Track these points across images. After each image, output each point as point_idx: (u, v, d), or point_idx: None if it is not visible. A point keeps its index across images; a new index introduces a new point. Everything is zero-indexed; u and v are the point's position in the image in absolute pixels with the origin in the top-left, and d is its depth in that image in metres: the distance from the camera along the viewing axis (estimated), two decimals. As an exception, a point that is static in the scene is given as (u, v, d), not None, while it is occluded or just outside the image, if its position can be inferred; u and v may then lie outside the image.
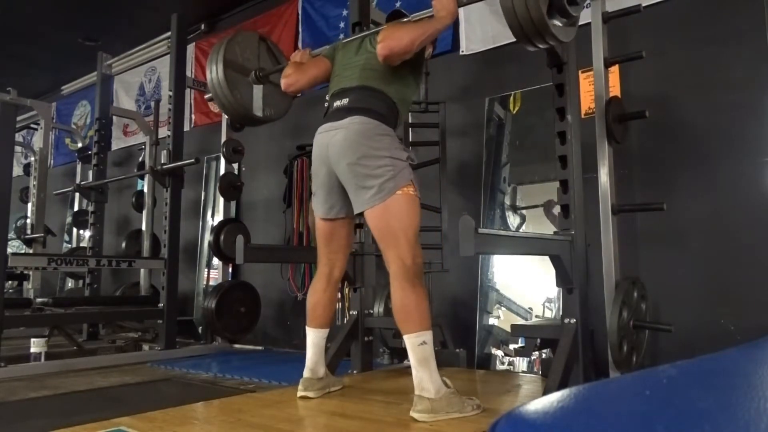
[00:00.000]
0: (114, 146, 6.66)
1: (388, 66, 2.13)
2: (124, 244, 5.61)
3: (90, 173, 5.61)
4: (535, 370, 3.19)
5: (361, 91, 2.16)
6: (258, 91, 2.78)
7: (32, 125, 6.51)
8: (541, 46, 1.93)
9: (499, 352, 3.39)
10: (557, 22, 1.84)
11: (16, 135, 5.16)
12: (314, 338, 2.32)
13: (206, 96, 4.84)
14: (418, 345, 1.93)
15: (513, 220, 3.59)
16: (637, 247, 3.00)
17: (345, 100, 2.16)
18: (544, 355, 2.93)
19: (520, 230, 3.47)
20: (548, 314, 3.34)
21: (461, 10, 3.88)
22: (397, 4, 4.28)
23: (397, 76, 2.17)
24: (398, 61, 2.10)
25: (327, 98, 2.33)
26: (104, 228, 5.24)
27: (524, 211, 3.58)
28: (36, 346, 3.64)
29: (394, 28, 2.10)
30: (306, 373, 2.27)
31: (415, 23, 2.14)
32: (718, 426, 0.69)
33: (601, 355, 2.51)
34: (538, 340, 2.54)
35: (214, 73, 2.72)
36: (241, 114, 2.82)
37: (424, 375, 1.90)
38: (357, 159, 2.02)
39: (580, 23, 2.81)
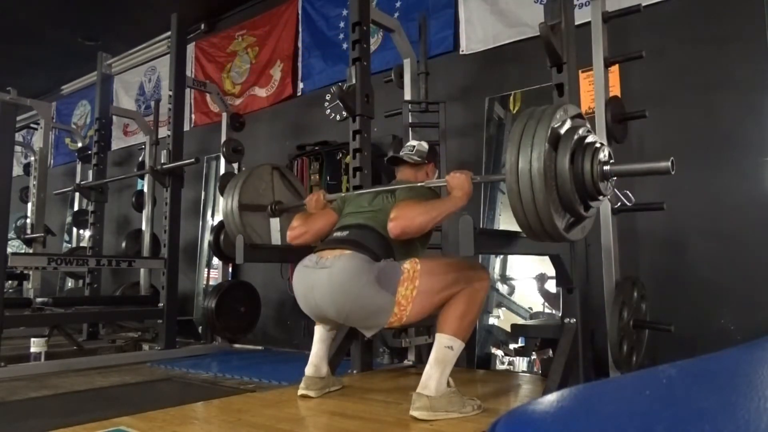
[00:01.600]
0: (114, 146, 6.66)
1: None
2: (124, 244, 5.61)
3: (90, 173, 5.61)
4: (535, 370, 3.19)
5: (364, 228, 2.13)
6: (275, 223, 2.83)
7: (32, 125, 6.51)
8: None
9: (499, 352, 3.39)
10: (570, 219, 1.78)
11: (16, 135, 5.16)
12: (322, 335, 2.33)
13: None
14: (444, 346, 1.94)
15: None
16: (637, 247, 3.00)
17: (345, 233, 2.14)
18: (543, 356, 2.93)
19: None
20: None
21: (461, 10, 3.90)
22: (397, 5, 4.28)
23: (405, 242, 2.11)
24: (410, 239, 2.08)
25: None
26: (104, 228, 5.24)
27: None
28: (36, 346, 3.64)
29: (409, 206, 2.01)
30: (309, 370, 2.28)
31: (430, 203, 2.06)
32: (718, 426, 0.69)
33: (601, 355, 2.51)
34: (538, 340, 2.54)
35: (230, 214, 2.79)
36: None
37: (434, 374, 1.90)
38: (344, 304, 2.00)
39: (580, 23, 2.82)
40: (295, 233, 2.35)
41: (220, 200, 4.85)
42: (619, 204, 2.10)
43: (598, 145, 1.73)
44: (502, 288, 3.56)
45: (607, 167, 1.72)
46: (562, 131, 1.69)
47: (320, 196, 2.51)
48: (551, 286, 3.28)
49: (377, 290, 1.95)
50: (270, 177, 2.95)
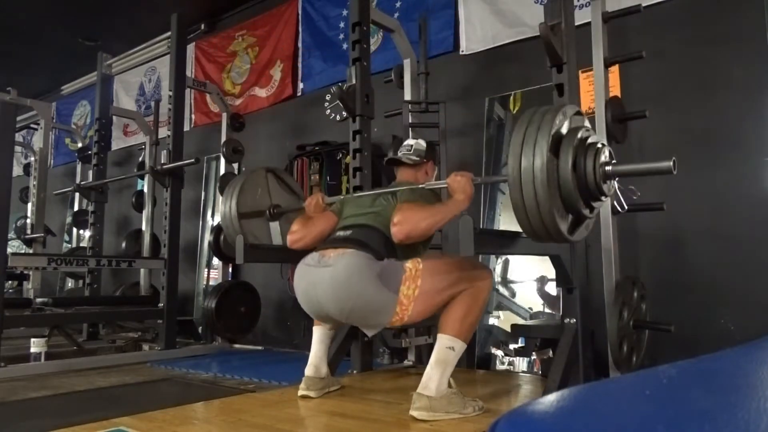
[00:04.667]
0: (114, 146, 6.66)
1: None
2: (124, 244, 5.60)
3: (90, 173, 5.61)
4: (535, 370, 3.19)
5: (366, 228, 2.13)
6: (275, 227, 2.83)
7: (32, 125, 6.51)
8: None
9: (499, 352, 3.39)
10: (573, 219, 1.78)
11: (16, 135, 5.16)
12: (321, 335, 2.33)
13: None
14: (446, 347, 1.94)
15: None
16: (637, 247, 3.00)
17: (347, 232, 2.14)
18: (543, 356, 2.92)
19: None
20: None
21: (461, 11, 3.90)
22: (397, 5, 4.28)
23: (408, 245, 2.11)
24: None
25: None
26: (104, 228, 5.24)
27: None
28: (36, 346, 3.64)
29: (412, 210, 2.01)
30: (309, 371, 2.28)
31: (434, 208, 2.06)
32: (718, 426, 0.69)
33: (601, 355, 2.51)
34: (538, 340, 2.54)
35: (229, 222, 2.78)
36: None
37: (434, 375, 1.90)
38: (346, 302, 1.98)
39: (580, 23, 2.82)
40: (295, 237, 2.34)
41: (220, 200, 4.85)
42: (626, 209, 2.09)
43: (599, 146, 1.73)
44: (503, 290, 3.56)
45: (609, 168, 1.72)
46: (563, 134, 1.69)
47: (319, 199, 2.50)
48: (551, 288, 3.28)
49: (379, 289, 1.95)
50: (265, 180, 2.94)
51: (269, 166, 3.12)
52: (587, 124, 1.82)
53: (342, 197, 2.50)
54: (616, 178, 1.80)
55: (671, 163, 1.66)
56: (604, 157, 1.73)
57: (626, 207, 1.99)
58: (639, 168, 1.82)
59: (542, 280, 3.36)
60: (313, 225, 2.35)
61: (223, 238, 4.36)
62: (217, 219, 4.93)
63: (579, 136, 1.70)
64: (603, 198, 1.75)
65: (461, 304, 1.97)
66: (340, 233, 2.16)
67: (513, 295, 3.53)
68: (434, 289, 1.97)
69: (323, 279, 2.01)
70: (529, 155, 1.61)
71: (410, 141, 2.48)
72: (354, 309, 2.00)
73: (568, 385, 2.17)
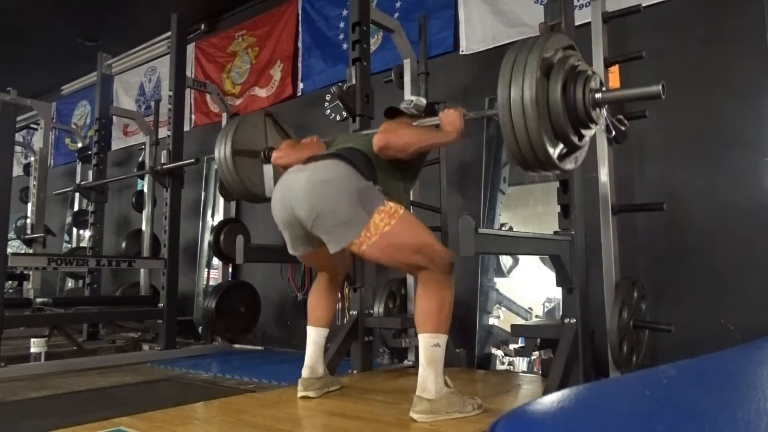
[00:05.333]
0: (114, 146, 6.66)
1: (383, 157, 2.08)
2: (124, 244, 5.60)
3: (90, 173, 5.61)
4: (535, 370, 3.19)
5: (350, 149, 2.13)
6: (268, 170, 2.77)
7: (32, 125, 6.51)
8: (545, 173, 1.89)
9: (499, 352, 3.39)
10: (564, 152, 1.78)
11: (16, 135, 5.16)
12: (315, 337, 2.33)
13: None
14: (431, 346, 1.92)
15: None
16: (637, 247, 3.00)
17: (331, 150, 2.15)
18: (543, 356, 2.92)
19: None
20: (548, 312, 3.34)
21: (461, 11, 3.90)
22: (397, 5, 4.28)
23: (388, 167, 2.11)
24: (391, 156, 2.06)
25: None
26: (104, 228, 5.24)
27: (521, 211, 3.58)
28: (36, 346, 3.64)
29: (398, 125, 2.03)
30: (305, 372, 2.28)
31: (421, 129, 2.08)
32: (718, 426, 0.69)
33: (601, 355, 2.51)
34: (538, 340, 2.54)
35: (222, 158, 2.75)
36: (249, 195, 2.83)
37: (429, 376, 1.90)
38: (318, 203, 1.94)
39: (580, 23, 2.82)
40: (280, 154, 2.35)
41: (221, 200, 4.86)
42: (613, 134, 2.09)
43: (589, 73, 1.73)
44: (503, 290, 3.56)
45: (598, 95, 1.72)
46: (555, 60, 1.69)
47: (315, 138, 2.51)
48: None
49: (355, 203, 1.91)
50: (263, 123, 2.91)
51: (268, 110, 3.09)
52: (579, 55, 1.81)
53: (335, 135, 2.50)
54: (606, 106, 1.79)
55: (660, 87, 1.67)
56: (594, 83, 1.73)
57: (614, 133, 2.00)
58: (628, 93, 1.83)
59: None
60: (302, 149, 2.36)
61: (224, 238, 4.37)
62: (218, 219, 4.93)
63: (570, 62, 1.70)
64: (592, 125, 1.76)
65: (431, 298, 1.94)
66: (324, 153, 2.16)
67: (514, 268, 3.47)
68: (400, 238, 1.92)
69: (300, 180, 1.99)
70: (519, 75, 1.62)
71: (411, 97, 2.50)
72: (324, 212, 1.93)
73: (568, 385, 2.17)
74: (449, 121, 2.07)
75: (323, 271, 2.39)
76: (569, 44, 1.79)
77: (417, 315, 1.98)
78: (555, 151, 1.69)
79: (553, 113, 1.64)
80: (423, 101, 2.43)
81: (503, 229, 3.50)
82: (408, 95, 2.52)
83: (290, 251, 2.23)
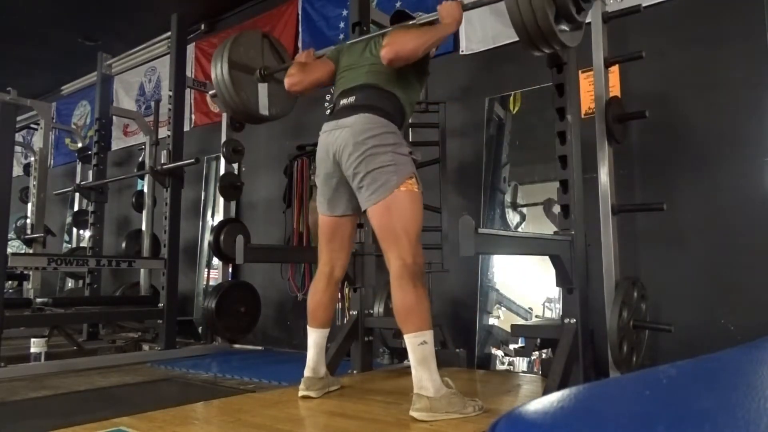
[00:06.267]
0: (114, 146, 6.66)
1: (393, 69, 2.13)
2: (124, 244, 5.60)
3: (90, 173, 5.61)
4: (535, 370, 3.19)
5: (367, 89, 2.16)
6: (263, 89, 2.76)
7: (32, 125, 6.51)
8: (547, 51, 1.93)
9: (499, 352, 3.39)
10: (564, 27, 1.83)
11: (16, 135, 5.16)
12: (316, 338, 2.32)
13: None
14: (418, 345, 1.92)
15: (512, 217, 3.59)
16: (637, 247, 3.00)
17: (351, 98, 2.16)
18: (544, 356, 2.92)
19: (519, 229, 3.48)
20: (548, 314, 3.34)
21: (461, 10, 3.90)
22: (397, 5, 4.28)
23: (401, 79, 2.17)
24: (402, 65, 2.10)
25: (332, 98, 2.31)
26: (104, 228, 5.24)
27: (524, 210, 3.58)
28: (36, 346, 3.64)
29: (400, 33, 2.09)
30: (307, 372, 2.27)
31: (421, 29, 2.14)
32: (718, 426, 0.69)
33: (601, 355, 2.51)
34: (538, 340, 2.54)
35: (219, 73, 2.72)
36: (245, 113, 2.81)
37: (423, 374, 1.90)
38: (360, 156, 2.02)
39: (580, 23, 2.81)
40: (293, 80, 2.35)
41: (221, 200, 4.85)
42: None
43: None
44: (503, 290, 3.56)
45: None
46: None
47: (310, 51, 2.51)
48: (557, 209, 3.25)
49: (391, 161, 2.00)
50: (260, 43, 2.89)
51: (265, 32, 3.07)
52: None
53: (333, 48, 2.49)
54: None
55: None
56: None
57: None
58: None
59: (549, 203, 3.33)
60: (310, 69, 2.37)
61: (224, 238, 4.37)
62: (218, 219, 4.93)
63: None
64: None
65: (405, 296, 1.95)
66: (344, 101, 2.17)
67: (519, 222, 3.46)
68: (400, 208, 2.00)
69: (342, 134, 2.06)
70: None
71: (419, 12, 2.51)
72: (367, 154, 2.01)
73: (568, 385, 2.17)
74: (448, 13, 2.10)
75: (331, 248, 2.34)
76: None
77: (397, 315, 1.98)
78: (556, 26, 1.73)
79: None
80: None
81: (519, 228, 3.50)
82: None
83: (323, 211, 2.27)
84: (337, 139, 2.09)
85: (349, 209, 2.23)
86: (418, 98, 2.24)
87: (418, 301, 1.95)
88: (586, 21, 2.74)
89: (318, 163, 2.22)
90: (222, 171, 4.80)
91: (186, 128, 5.07)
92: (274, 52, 2.96)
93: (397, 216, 2.00)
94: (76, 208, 6.41)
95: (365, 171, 2.02)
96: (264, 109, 2.76)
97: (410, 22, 2.25)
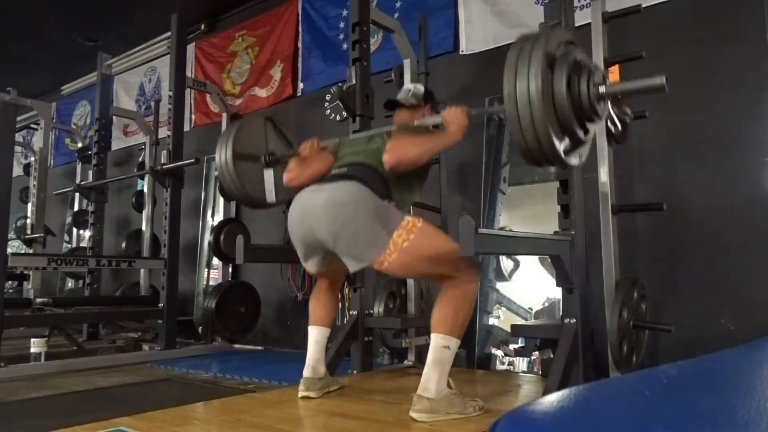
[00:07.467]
0: (114, 146, 6.66)
1: None
2: (124, 244, 5.60)
3: (90, 173, 5.61)
4: (535, 370, 3.19)
5: (362, 166, 2.13)
6: (269, 175, 2.76)
7: (32, 125, 6.51)
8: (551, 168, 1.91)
9: (499, 352, 3.39)
10: (569, 147, 1.80)
11: (16, 135, 5.16)
12: (316, 336, 2.33)
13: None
14: (441, 347, 1.92)
15: (506, 264, 3.58)
16: (637, 247, 3.00)
17: (343, 169, 2.14)
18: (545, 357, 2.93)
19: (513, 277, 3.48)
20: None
21: (461, 11, 3.90)
22: (397, 5, 4.28)
23: (401, 178, 2.12)
24: (404, 171, 2.08)
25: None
26: (104, 228, 5.24)
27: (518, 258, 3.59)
28: (36, 346, 3.64)
29: (404, 139, 2.03)
30: (307, 372, 2.27)
31: (425, 135, 2.08)
32: (718, 426, 0.69)
33: (601, 355, 2.51)
34: (538, 340, 2.54)
35: (224, 164, 2.71)
36: (251, 202, 2.79)
37: (433, 376, 1.89)
38: (340, 224, 1.95)
39: (581, 23, 2.82)
40: (291, 175, 2.34)
41: (221, 200, 4.86)
42: (619, 127, 2.09)
43: (592, 67, 1.75)
44: (503, 290, 3.56)
45: (602, 88, 1.73)
46: (557, 54, 1.71)
47: (314, 142, 2.49)
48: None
49: (374, 222, 1.94)
50: (263, 128, 2.90)
51: (268, 114, 3.09)
52: (581, 50, 1.83)
53: (337, 139, 2.49)
54: (609, 99, 1.80)
55: (662, 79, 1.67)
56: (598, 77, 1.74)
57: (620, 127, 2.01)
58: (631, 86, 1.83)
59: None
60: (309, 164, 2.36)
61: (224, 238, 4.37)
62: (218, 219, 4.93)
63: (573, 56, 1.71)
64: (597, 119, 1.77)
65: (450, 302, 1.95)
66: (336, 171, 2.16)
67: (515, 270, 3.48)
68: (422, 250, 1.95)
69: (319, 202, 2.00)
70: (525, 67, 1.61)
71: (409, 85, 2.49)
72: (344, 232, 1.95)
73: (568, 385, 2.17)
74: (453, 120, 2.06)
75: (326, 278, 2.40)
76: (571, 39, 1.80)
77: (433, 315, 1.98)
78: (561, 145, 1.70)
79: (559, 106, 1.65)
80: (421, 88, 2.44)
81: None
82: (407, 83, 2.51)
83: (303, 263, 2.26)
84: (313, 203, 2.02)
85: (332, 262, 2.17)
86: (414, 200, 2.21)
87: (457, 310, 1.95)
88: (587, 21, 2.76)
89: (290, 224, 2.14)
90: (222, 171, 4.81)
91: (186, 128, 5.07)
92: (278, 133, 2.97)
93: (417, 258, 1.95)
94: (76, 208, 6.41)
95: (347, 239, 1.96)
96: (270, 196, 2.75)
97: (415, 123, 2.22)
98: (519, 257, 3.55)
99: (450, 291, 1.97)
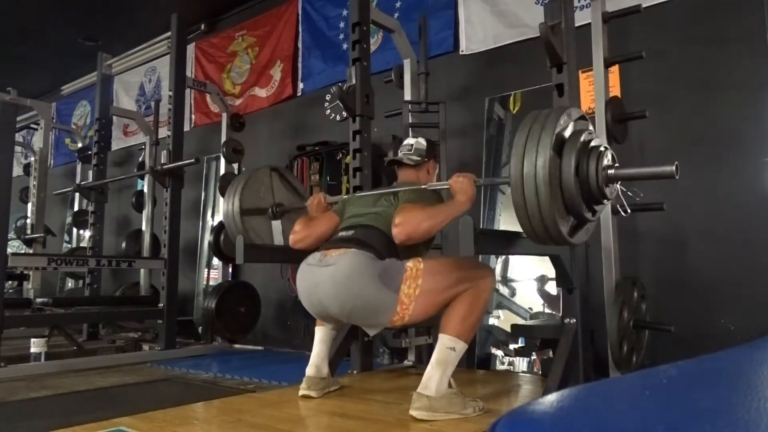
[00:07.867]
0: (114, 146, 6.66)
1: None
2: (124, 244, 5.60)
3: (90, 173, 5.61)
4: (535, 370, 3.19)
5: (368, 228, 2.12)
6: (277, 225, 2.80)
7: (32, 125, 6.51)
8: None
9: (499, 352, 3.39)
10: (576, 222, 1.79)
11: (16, 135, 5.16)
12: (322, 335, 2.33)
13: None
14: (447, 347, 1.93)
15: (501, 289, 3.58)
16: (637, 247, 3.00)
17: (350, 232, 2.14)
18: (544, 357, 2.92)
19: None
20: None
21: (461, 11, 3.90)
22: (397, 5, 4.28)
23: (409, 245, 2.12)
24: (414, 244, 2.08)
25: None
26: (104, 228, 5.24)
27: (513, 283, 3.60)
28: (36, 346, 3.64)
29: (413, 212, 2.00)
30: (310, 371, 2.28)
31: (434, 207, 2.06)
32: (718, 426, 0.69)
33: (601, 355, 2.51)
34: (538, 340, 2.54)
35: (231, 220, 2.76)
36: None
37: (435, 375, 1.90)
38: (350, 303, 1.98)
39: (581, 23, 2.82)
40: (297, 237, 2.33)
41: (221, 200, 4.84)
42: (628, 212, 2.08)
43: (602, 149, 1.73)
44: (503, 289, 3.56)
45: (611, 171, 1.72)
46: (566, 135, 1.69)
47: (321, 198, 2.51)
48: (551, 288, 3.28)
49: (380, 288, 1.95)
50: (269, 179, 2.94)
51: (273, 164, 3.11)
52: (591, 128, 1.82)
53: (344, 197, 2.50)
54: (619, 182, 1.79)
55: (673, 168, 1.66)
56: (607, 160, 1.73)
57: (629, 211, 2.00)
58: (641, 172, 1.82)
59: (542, 280, 3.36)
60: (315, 225, 2.36)
61: (224, 238, 4.37)
62: (218, 219, 4.93)
63: (582, 138, 1.70)
64: (605, 201, 1.76)
65: (462, 304, 1.96)
66: (342, 233, 2.16)
67: (513, 294, 3.53)
68: (435, 288, 1.97)
69: (324, 278, 2.01)
70: (532, 154, 1.61)
71: (410, 140, 2.47)
72: (355, 308, 2.00)
73: (568, 385, 2.17)
74: (461, 190, 2.04)
75: None
76: (580, 115, 1.80)
77: (444, 316, 1.99)
78: (566, 228, 1.70)
79: (566, 191, 1.65)
80: (423, 143, 2.42)
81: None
82: (408, 139, 2.51)
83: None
84: (320, 280, 2.03)
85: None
86: (421, 255, 2.20)
87: (468, 314, 1.96)
88: (587, 21, 2.76)
89: (300, 295, 2.15)
90: (222, 171, 4.81)
91: (186, 128, 5.07)
92: (284, 182, 3.00)
93: (435, 295, 1.97)
94: (76, 208, 6.41)
95: (358, 312, 2.01)
96: (279, 244, 2.79)
97: (424, 185, 2.21)
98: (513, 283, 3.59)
99: (464, 297, 1.98)
